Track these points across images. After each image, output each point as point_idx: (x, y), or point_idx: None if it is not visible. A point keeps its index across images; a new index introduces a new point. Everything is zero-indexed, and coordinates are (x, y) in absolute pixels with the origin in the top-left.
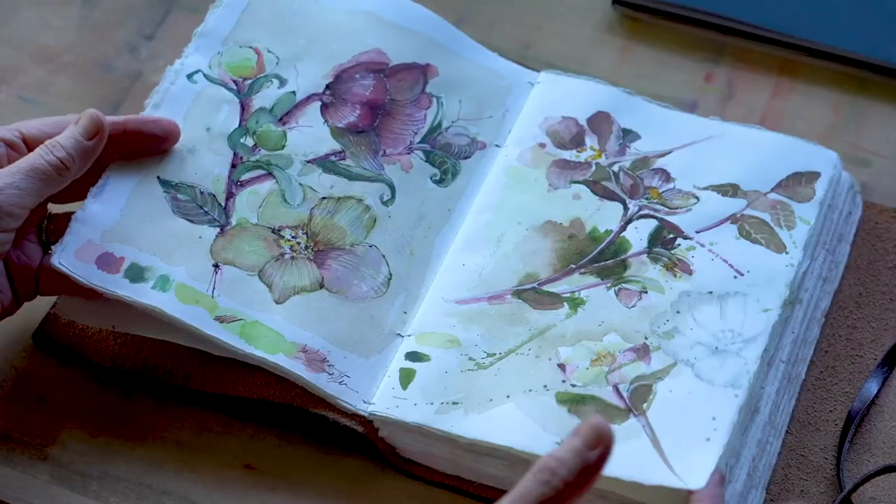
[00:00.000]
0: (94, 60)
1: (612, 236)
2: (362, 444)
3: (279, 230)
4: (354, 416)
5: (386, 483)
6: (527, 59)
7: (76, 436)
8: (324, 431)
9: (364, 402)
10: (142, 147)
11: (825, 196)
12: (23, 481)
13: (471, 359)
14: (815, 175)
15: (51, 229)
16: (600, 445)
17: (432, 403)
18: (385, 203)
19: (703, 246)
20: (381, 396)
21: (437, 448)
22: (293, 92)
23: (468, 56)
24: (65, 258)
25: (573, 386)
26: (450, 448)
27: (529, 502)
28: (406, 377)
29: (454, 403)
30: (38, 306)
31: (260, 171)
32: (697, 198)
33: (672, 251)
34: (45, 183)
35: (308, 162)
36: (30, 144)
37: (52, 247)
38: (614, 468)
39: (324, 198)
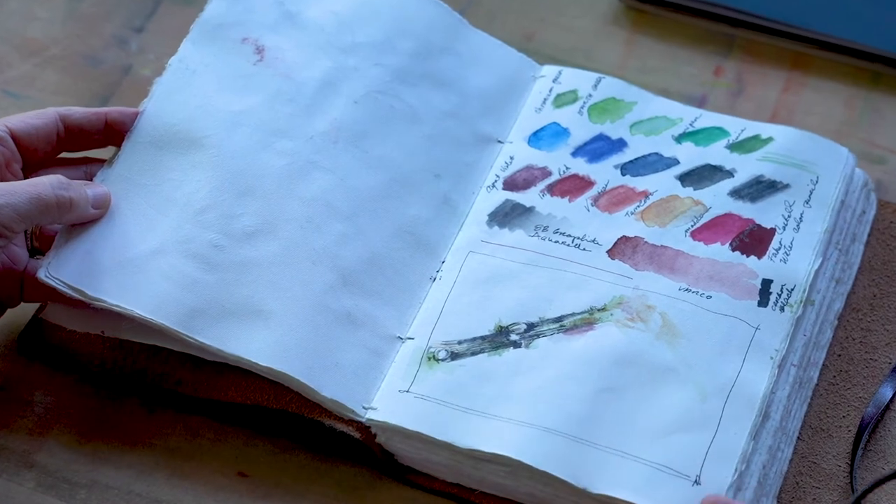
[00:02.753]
0: (82, 54)
1: None
2: (359, 450)
3: None
4: (351, 421)
5: (383, 491)
6: (529, 52)
7: (64, 442)
8: (319, 438)
9: (363, 407)
10: (122, 138)
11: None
12: (8, 489)
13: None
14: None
15: (37, 234)
16: None
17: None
18: None
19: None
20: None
21: (437, 455)
22: None
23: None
24: (52, 271)
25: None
26: (449, 455)
27: None
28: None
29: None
30: (25, 308)
31: None
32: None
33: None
34: (44, 213)
35: None
36: (18, 139)
37: (40, 259)
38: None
39: None
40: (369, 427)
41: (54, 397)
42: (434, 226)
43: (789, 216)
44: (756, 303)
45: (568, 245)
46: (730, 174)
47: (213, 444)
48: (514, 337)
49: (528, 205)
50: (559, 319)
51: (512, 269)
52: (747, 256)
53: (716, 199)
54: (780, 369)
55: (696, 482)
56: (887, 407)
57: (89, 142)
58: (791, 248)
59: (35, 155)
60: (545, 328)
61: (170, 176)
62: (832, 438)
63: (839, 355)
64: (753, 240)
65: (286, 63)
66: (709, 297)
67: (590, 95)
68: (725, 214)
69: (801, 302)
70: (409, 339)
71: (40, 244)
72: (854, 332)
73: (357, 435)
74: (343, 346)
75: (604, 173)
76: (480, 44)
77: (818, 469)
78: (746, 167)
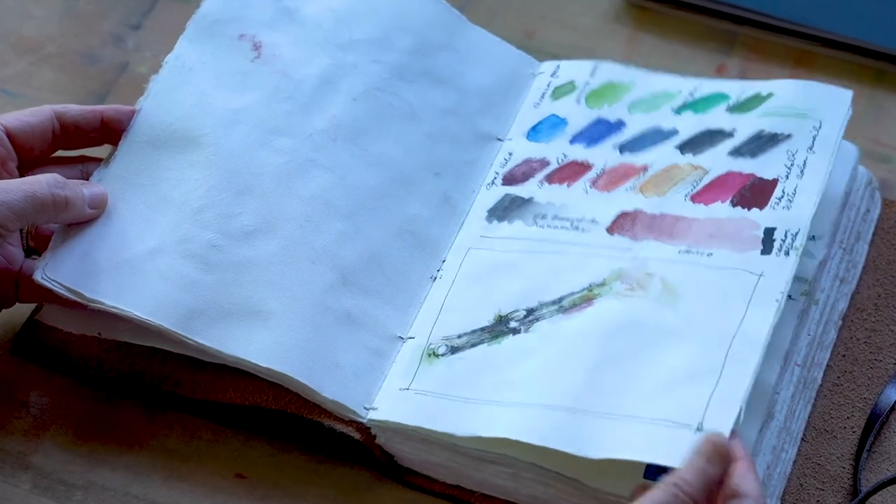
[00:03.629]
0: (79, 51)
1: None
2: (359, 452)
3: None
4: (351, 422)
5: (383, 493)
6: (530, 50)
7: (60, 443)
8: (319, 439)
9: (364, 407)
10: (119, 137)
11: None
12: (3, 491)
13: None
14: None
15: (33, 234)
16: (720, 459)
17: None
18: None
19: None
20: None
21: (437, 456)
22: None
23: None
24: (49, 272)
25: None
26: (450, 455)
27: None
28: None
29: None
30: (20, 308)
31: None
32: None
33: None
34: (40, 212)
35: None
36: (13, 137)
37: (36, 259)
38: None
39: None
40: (369, 428)
41: (50, 398)
42: (434, 225)
43: (792, 164)
44: (759, 252)
45: (567, 229)
46: (730, 135)
47: (210, 445)
48: (513, 324)
49: (526, 196)
50: (558, 301)
51: (511, 260)
52: (749, 210)
53: (715, 160)
54: (784, 369)
55: (699, 429)
56: (892, 408)
57: (85, 140)
58: (795, 194)
59: (31, 153)
60: (544, 311)
61: (167, 175)
62: (836, 440)
63: (843, 356)
64: (755, 193)
65: (284, 60)
66: (709, 255)
67: (587, 83)
68: (726, 174)
69: (803, 247)
70: (410, 338)
71: (36, 244)
72: (858, 333)
73: (357, 436)
74: (343, 346)
75: (602, 155)
76: (479, 41)
77: (822, 471)
78: (746, 125)
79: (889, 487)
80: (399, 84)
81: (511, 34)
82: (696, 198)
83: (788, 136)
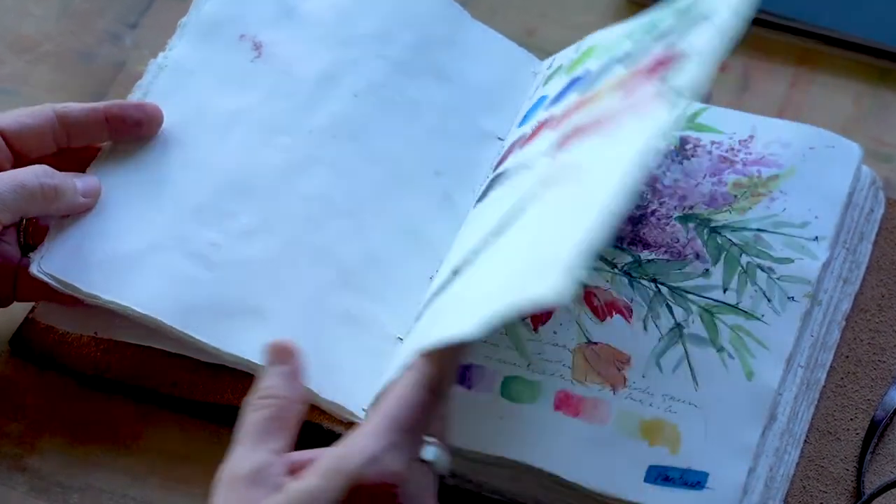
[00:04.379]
0: (76, 50)
1: None
2: None
3: None
4: (350, 424)
5: None
6: (530, 48)
7: (56, 445)
8: (318, 441)
9: (363, 409)
10: (125, 133)
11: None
12: (0, 493)
13: None
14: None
15: (30, 231)
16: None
17: None
18: None
19: None
20: None
21: None
22: None
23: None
24: (45, 265)
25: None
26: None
27: (258, 428)
28: None
29: None
30: (16, 309)
31: None
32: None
33: None
34: (30, 203)
35: None
36: (8, 138)
37: (32, 254)
38: None
39: None
40: None
41: (47, 400)
42: (434, 224)
43: None
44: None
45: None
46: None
47: (208, 447)
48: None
49: (501, 171)
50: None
51: None
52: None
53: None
54: (787, 370)
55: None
56: None
57: (91, 139)
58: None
59: (28, 156)
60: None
61: (166, 173)
62: (839, 441)
63: (847, 357)
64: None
65: (285, 58)
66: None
67: (571, 59)
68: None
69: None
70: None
71: (34, 241)
72: (862, 334)
73: None
74: (343, 347)
75: (564, 104)
76: (482, 37)
77: (825, 473)
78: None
79: (893, 490)
80: (401, 79)
81: (511, 32)
82: (622, 88)
83: None
